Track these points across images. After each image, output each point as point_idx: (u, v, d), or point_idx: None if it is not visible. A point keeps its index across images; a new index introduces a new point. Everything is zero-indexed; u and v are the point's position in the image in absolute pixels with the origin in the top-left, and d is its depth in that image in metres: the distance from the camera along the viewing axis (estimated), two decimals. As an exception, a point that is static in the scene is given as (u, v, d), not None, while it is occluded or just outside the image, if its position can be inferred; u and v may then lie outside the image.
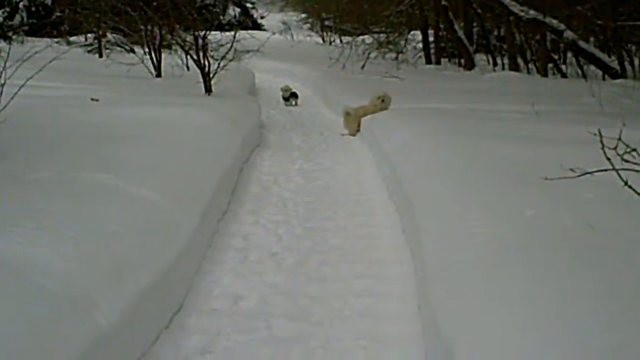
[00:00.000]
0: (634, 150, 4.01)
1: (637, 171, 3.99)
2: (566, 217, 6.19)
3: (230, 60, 16.58)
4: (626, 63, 25.70)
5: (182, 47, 17.51)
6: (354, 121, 15.20)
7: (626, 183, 3.99)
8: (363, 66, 27.46)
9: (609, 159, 4.01)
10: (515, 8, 24.09)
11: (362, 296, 6.58)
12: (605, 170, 4.10)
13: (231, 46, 16.86)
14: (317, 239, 8.27)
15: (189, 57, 17.21)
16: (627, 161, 3.99)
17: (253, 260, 7.59)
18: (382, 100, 15.20)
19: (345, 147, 14.16)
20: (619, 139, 4.03)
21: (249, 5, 57.95)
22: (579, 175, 4.36)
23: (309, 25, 52.34)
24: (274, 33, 34.09)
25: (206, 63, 15.91)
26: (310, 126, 16.99)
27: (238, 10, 54.65)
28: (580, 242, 5.57)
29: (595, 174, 4.29)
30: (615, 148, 4.07)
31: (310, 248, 7.97)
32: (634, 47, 27.21)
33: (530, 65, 28.85)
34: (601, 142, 4.01)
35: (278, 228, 8.70)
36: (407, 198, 8.32)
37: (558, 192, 6.59)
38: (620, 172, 3.98)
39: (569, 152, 8.18)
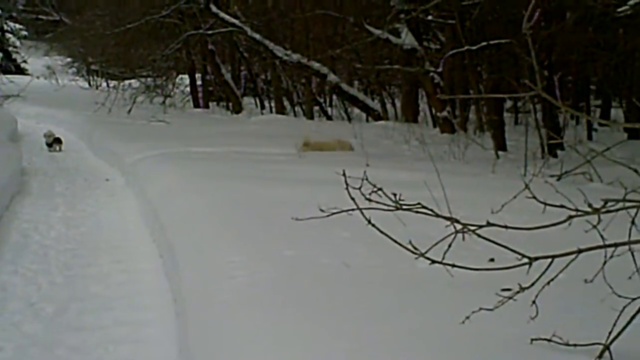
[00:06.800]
0: (380, 189, 4.18)
1: (380, 209, 4.17)
2: (323, 256, 6.40)
3: (-13, 106, 16.10)
4: (388, 105, 26.90)
5: None
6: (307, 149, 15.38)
7: (369, 221, 4.17)
8: (130, 110, 27.31)
9: (353, 199, 4.18)
10: (280, 52, 24.70)
11: (123, 343, 6.47)
12: (353, 210, 4.26)
13: (-14, 92, 16.41)
14: (77, 287, 8.08)
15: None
16: (371, 200, 4.16)
17: (10, 311, 7.31)
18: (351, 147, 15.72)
19: (110, 193, 13.94)
20: (365, 179, 4.20)
21: (11, 49, 56.23)
22: (327, 215, 4.49)
23: (74, 69, 51.33)
24: (37, 77, 33.26)
25: (-39, 109, 15.38)
26: (75, 172, 16.62)
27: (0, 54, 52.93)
28: (336, 279, 5.76)
29: (353, 213, 4.43)
30: (360, 188, 4.24)
31: (71, 296, 7.77)
32: (395, 90, 28.53)
33: (297, 108, 29.62)
34: (345, 182, 4.18)
35: (37, 277, 8.43)
36: (169, 242, 8.30)
37: (316, 232, 6.80)
38: (365, 211, 4.14)
39: (327, 192, 8.38)
